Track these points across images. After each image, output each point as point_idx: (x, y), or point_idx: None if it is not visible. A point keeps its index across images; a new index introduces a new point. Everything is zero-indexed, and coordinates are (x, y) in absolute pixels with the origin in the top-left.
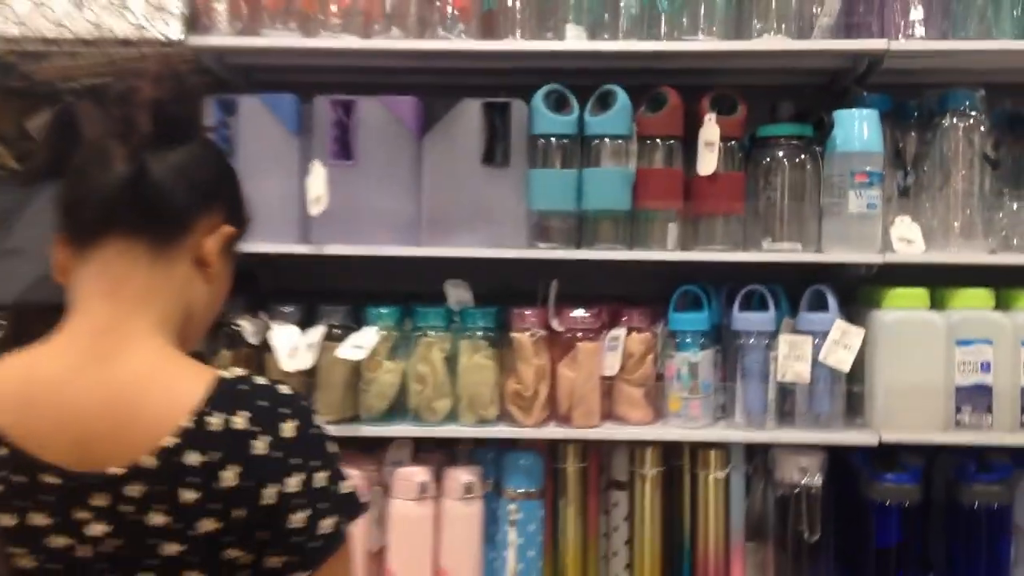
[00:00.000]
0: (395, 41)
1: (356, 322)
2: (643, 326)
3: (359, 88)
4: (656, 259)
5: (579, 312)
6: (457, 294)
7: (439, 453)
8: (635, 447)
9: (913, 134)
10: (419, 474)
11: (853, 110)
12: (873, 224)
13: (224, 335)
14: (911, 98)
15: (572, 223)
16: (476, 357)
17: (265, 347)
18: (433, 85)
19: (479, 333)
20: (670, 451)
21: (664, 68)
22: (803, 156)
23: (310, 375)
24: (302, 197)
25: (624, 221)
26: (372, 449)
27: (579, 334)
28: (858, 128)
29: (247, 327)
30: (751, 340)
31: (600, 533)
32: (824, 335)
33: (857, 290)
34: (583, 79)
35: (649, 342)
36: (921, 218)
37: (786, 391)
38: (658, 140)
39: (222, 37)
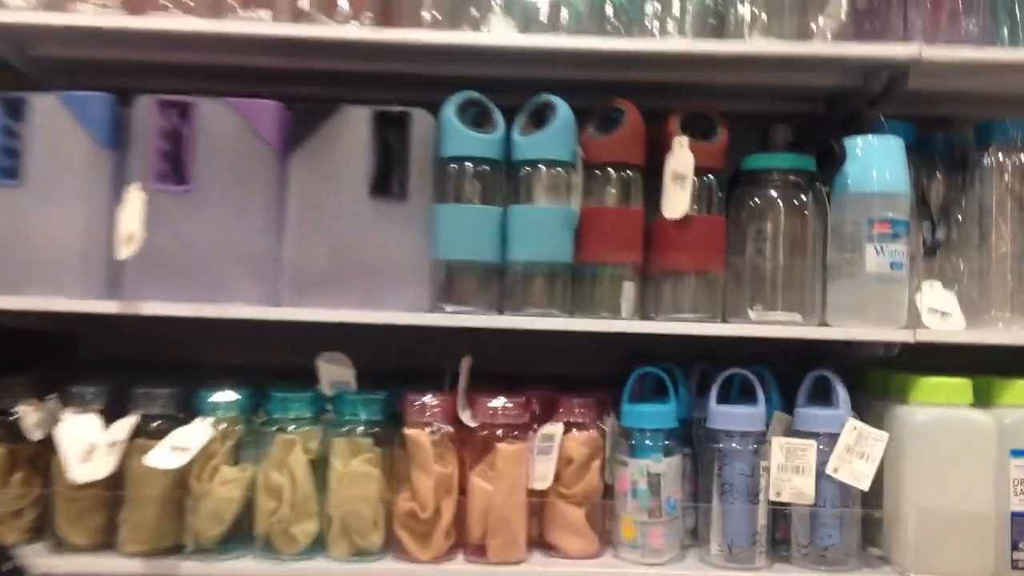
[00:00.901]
0: (257, 24)
1: (184, 411)
2: (587, 421)
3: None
4: (605, 330)
5: (499, 401)
6: (332, 373)
7: None
8: None
9: (939, 175)
10: None
11: (872, 137)
12: (897, 289)
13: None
14: (935, 130)
15: (492, 279)
16: (355, 463)
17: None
18: (312, 98)
19: (360, 428)
20: None
21: (620, 80)
22: (804, 197)
23: (114, 486)
24: (113, 234)
25: (563, 278)
26: None
27: (499, 431)
28: (879, 161)
29: (30, 416)
30: (733, 443)
31: None
32: (832, 438)
33: (865, 377)
34: (513, 96)
35: (594, 443)
36: (954, 283)
37: (781, 515)
38: (611, 170)
39: (10, 12)
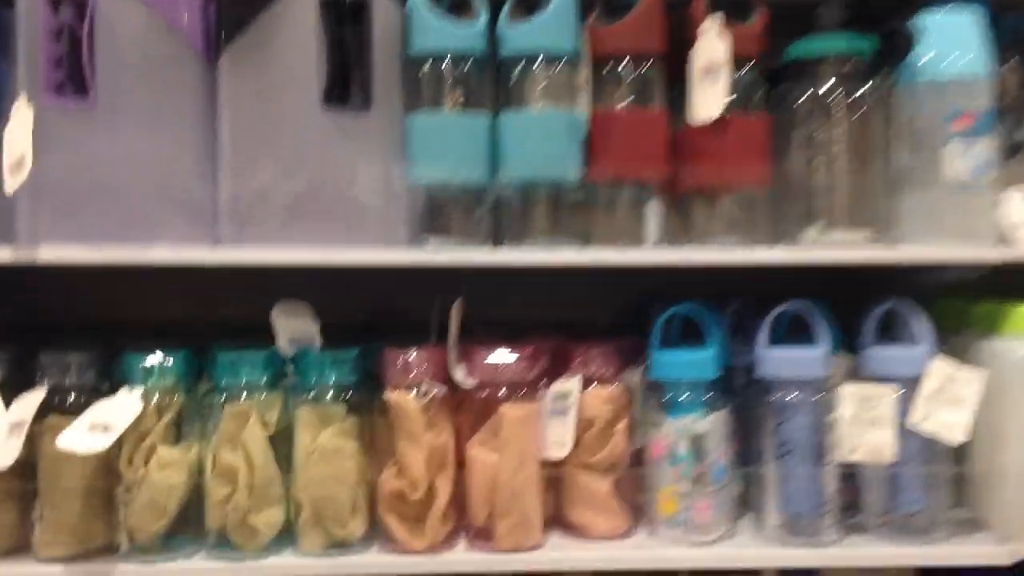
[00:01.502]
0: None
1: (107, 380)
2: (608, 373)
3: None
4: (625, 263)
5: (500, 354)
6: (291, 327)
7: None
8: None
9: (1016, 63)
10: None
11: (945, 12)
12: (981, 199)
13: None
14: (1008, 11)
15: (483, 206)
16: (325, 435)
17: None
18: None
19: (330, 393)
20: None
21: None
22: (864, 89)
23: (24, 476)
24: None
25: (570, 201)
26: None
27: (502, 391)
28: (955, 42)
29: None
30: (792, 393)
31: None
32: (912, 382)
33: (935, 308)
34: None
35: (619, 400)
36: None
37: (853, 478)
38: (624, 63)
39: None
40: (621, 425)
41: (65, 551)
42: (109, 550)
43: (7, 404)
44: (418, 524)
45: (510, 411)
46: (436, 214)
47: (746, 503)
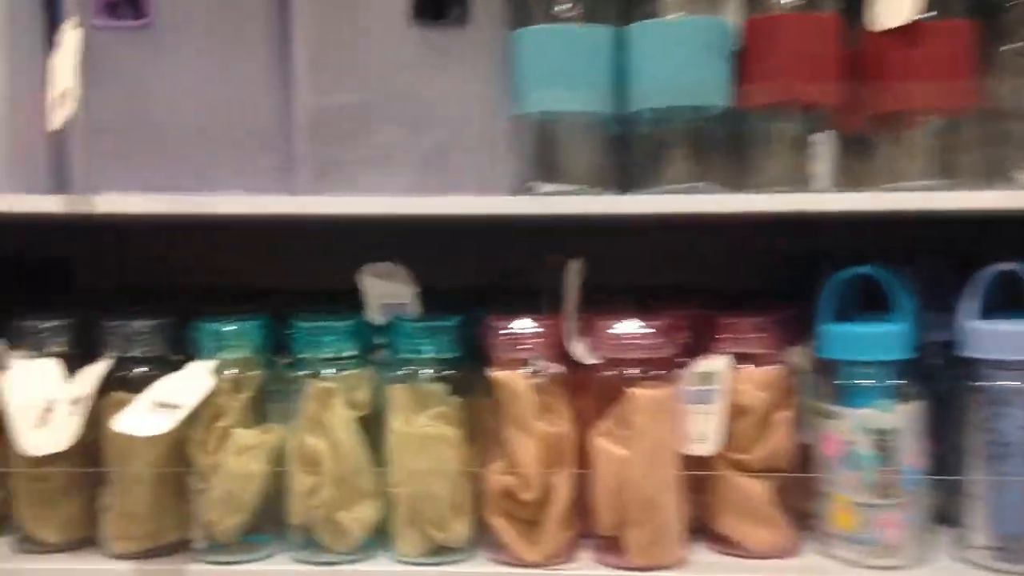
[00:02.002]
0: None
1: (176, 352)
2: (766, 351)
3: None
4: (787, 212)
5: (630, 325)
6: (383, 291)
7: None
8: None
9: None
10: None
11: None
12: None
13: None
14: None
15: (607, 142)
16: (422, 420)
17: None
18: None
19: (427, 371)
20: None
21: None
22: None
23: (89, 460)
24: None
25: (716, 134)
26: None
27: (632, 370)
28: None
29: None
30: (1009, 381)
31: None
32: None
33: None
34: None
35: (780, 385)
36: None
37: None
38: None
39: None
40: (782, 416)
41: (135, 546)
42: (184, 546)
43: (69, 378)
44: (532, 529)
45: (642, 395)
46: (549, 152)
47: (945, 519)
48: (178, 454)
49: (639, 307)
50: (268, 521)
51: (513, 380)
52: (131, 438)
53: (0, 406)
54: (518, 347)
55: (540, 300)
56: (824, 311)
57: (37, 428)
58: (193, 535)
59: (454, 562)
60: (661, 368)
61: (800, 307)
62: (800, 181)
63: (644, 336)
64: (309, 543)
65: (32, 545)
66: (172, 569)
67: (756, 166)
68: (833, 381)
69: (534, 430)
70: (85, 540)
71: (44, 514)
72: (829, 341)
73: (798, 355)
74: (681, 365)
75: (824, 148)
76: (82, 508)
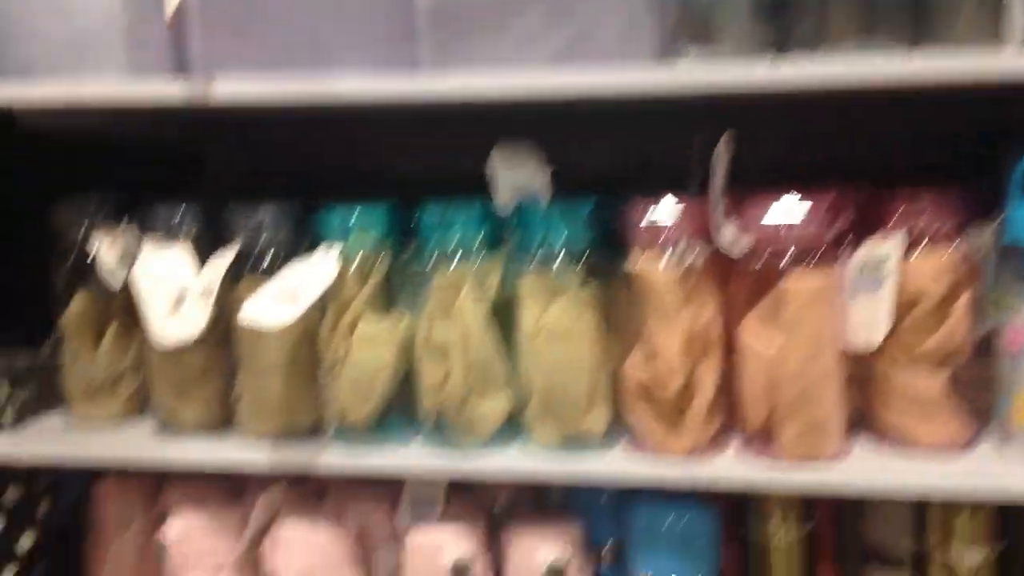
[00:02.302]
0: None
1: (305, 237)
2: (941, 232)
3: None
4: (972, 76)
5: (786, 205)
6: (514, 175)
7: (494, 501)
8: (926, 508)
9: None
10: (456, 545)
11: None
12: None
13: (71, 271)
14: None
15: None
16: (555, 311)
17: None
18: None
19: (561, 259)
20: (1010, 518)
21: None
22: None
23: (219, 345)
24: None
25: None
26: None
27: (787, 256)
28: None
29: (108, 253)
30: None
31: None
32: None
33: None
34: None
35: (958, 270)
36: None
37: None
38: None
39: None
40: (960, 304)
41: (269, 430)
42: (318, 431)
43: (199, 266)
44: (675, 422)
45: (799, 283)
46: (695, 14)
47: None
48: (308, 342)
49: (796, 186)
50: (400, 410)
51: (654, 269)
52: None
53: (134, 293)
54: (660, 233)
55: (684, 182)
56: (1013, 188)
57: (169, 316)
58: (326, 422)
59: (592, 454)
60: (820, 254)
61: (982, 186)
62: (987, 38)
63: (801, 219)
64: (441, 433)
65: (172, 428)
66: (306, 454)
67: (936, 21)
68: (1019, 267)
69: (676, 321)
70: (223, 424)
71: (182, 399)
72: (1015, 221)
73: (980, 237)
74: (843, 250)
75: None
76: (219, 393)
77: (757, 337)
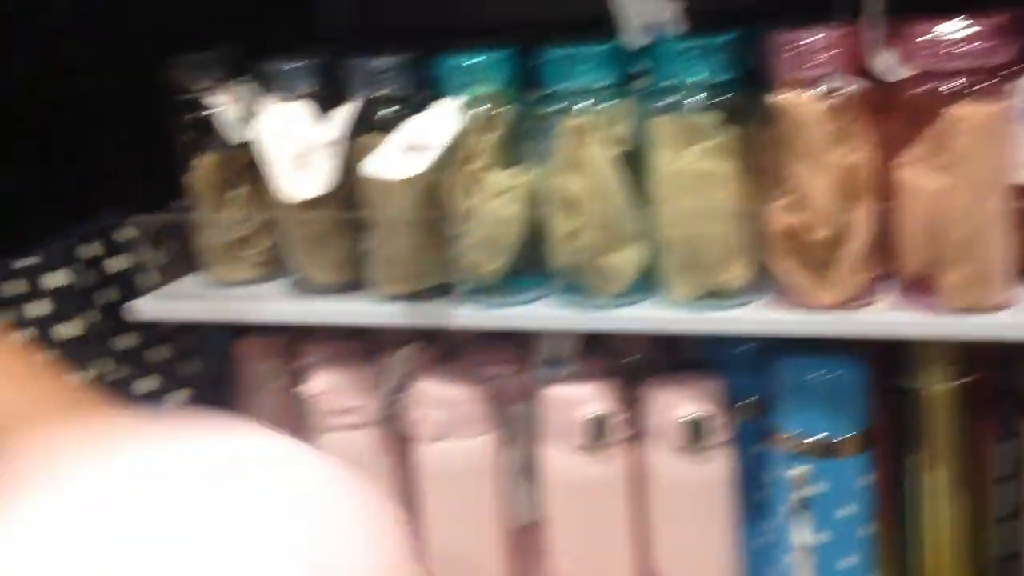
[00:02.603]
0: None
1: (425, 89)
2: None
3: None
4: None
5: (950, 27)
6: (642, 7)
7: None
8: None
9: None
10: (592, 400)
11: None
12: None
13: (194, 130)
14: None
15: None
16: (689, 155)
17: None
18: None
19: (695, 99)
20: None
21: None
22: None
23: (346, 204)
24: None
25: None
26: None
27: (951, 85)
28: None
29: (229, 108)
30: None
31: (994, 517)
32: None
33: None
34: None
35: None
36: None
37: None
38: None
39: None
40: None
41: (401, 288)
42: (449, 288)
43: (320, 121)
44: (824, 270)
45: (969, 112)
46: None
47: None
48: (435, 197)
49: (961, 6)
50: (531, 265)
51: (802, 103)
52: (386, 182)
53: (257, 152)
54: (807, 63)
55: (829, 11)
56: None
57: (295, 173)
58: (457, 279)
59: (732, 307)
60: (990, 80)
61: None
62: None
63: (969, 40)
64: (573, 287)
65: (307, 286)
66: (434, 312)
67: None
68: None
69: (827, 161)
70: (355, 282)
71: (314, 257)
72: None
73: None
74: (1016, 75)
75: None
76: (350, 251)
77: (918, 174)
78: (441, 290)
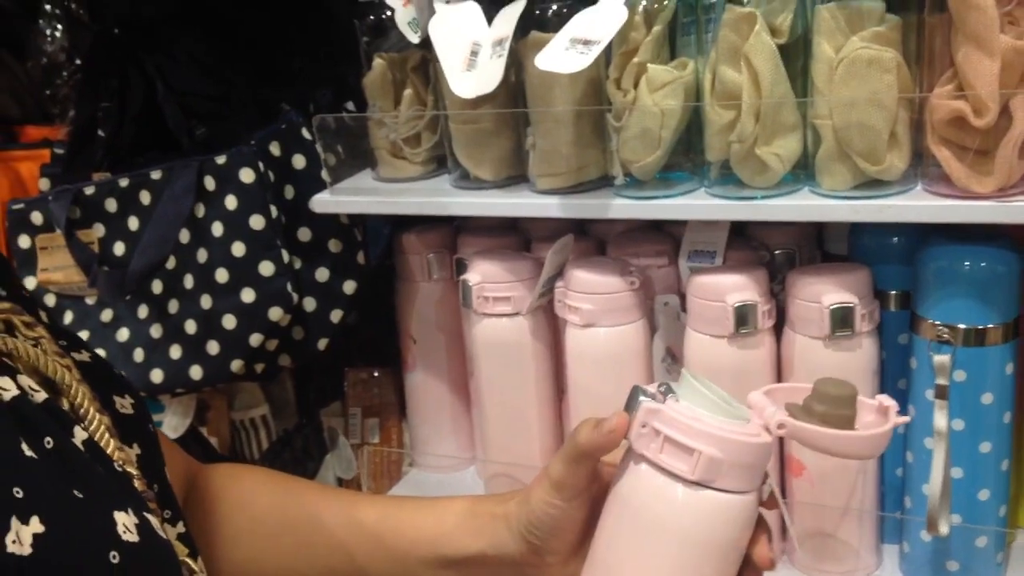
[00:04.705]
0: None
1: None
2: None
3: None
4: None
5: None
6: None
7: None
8: None
9: None
10: (736, 289)
11: None
12: None
13: (370, 31)
14: None
15: None
16: (856, 43)
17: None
18: None
19: None
20: None
21: None
22: None
23: (510, 101)
24: None
25: None
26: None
27: None
28: None
29: (402, 9)
30: None
31: None
32: None
33: None
34: None
35: None
36: None
37: None
38: None
39: None
40: None
41: (560, 182)
42: (605, 182)
43: (490, 21)
44: (983, 159)
45: None
46: None
47: None
48: (597, 92)
49: None
50: (686, 158)
51: None
52: (550, 78)
53: (430, 50)
54: None
55: None
56: None
57: (465, 71)
58: (614, 172)
59: (888, 195)
60: None
61: None
62: None
63: None
64: (728, 179)
65: (469, 182)
66: (595, 203)
67: None
68: None
69: (995, 45)
70: (515, 178)
71: (477, 153)
72: None
73: None
74: None
75: None
76: (511, 148)
77: None
78: (597, 183)
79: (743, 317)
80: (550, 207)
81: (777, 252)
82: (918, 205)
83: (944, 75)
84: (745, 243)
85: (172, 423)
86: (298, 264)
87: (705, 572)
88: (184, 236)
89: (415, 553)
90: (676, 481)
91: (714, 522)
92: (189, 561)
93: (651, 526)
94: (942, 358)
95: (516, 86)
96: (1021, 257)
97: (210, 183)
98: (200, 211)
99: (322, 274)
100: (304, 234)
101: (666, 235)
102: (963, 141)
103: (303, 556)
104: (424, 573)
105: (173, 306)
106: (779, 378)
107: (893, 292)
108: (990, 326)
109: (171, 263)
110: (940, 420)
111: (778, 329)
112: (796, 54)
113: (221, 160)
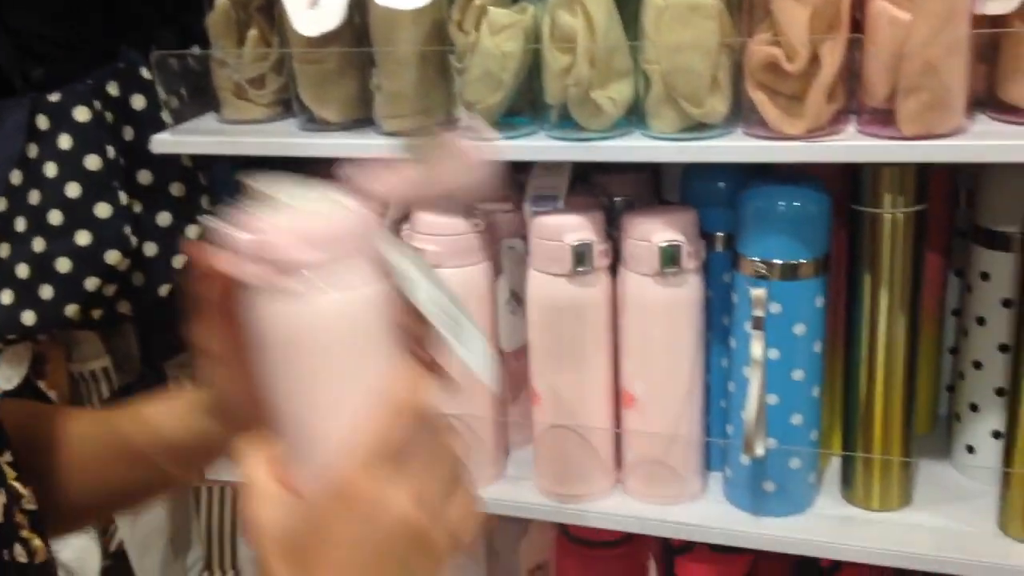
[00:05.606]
0: None
1: None
2: None
3: None
4: None
5: None
6: None
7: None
8: None
9: None
10: (575, 229)
11: None
12: None
13: None
14: None
15: None
16: None
17: None
18: None
19: None
20: None
21: None
22: None
23: (354, 42)
24: None
25: None
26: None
27: None
28: None
29: None
30: None
31: (943, 344)
32: None
33: None
34: None
35: None
36: None
37: None
38: None
39: None
40: None
41: (405, 124)
42: (451, 124)
43: None
44: (795, 103)
45: None
46: None
47: None
48: (440, 34)
49: None
50: (525, 101)
51: None
52: (393, 19)
53: None
54: None
55: None
56: None
57: (308, 10)
58: (457, 114)
59: (710, 137)
60: None
61: None
62: None
63: None
64: (565, 122)
65: (315, 124)
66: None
67: None
68: None
69: None
70: (361, 120)
71: (322, 95)
72: None
73: None
74: None
75: None
76: (356, 90)
77: (889, 8)
78: (445, 125)
79: (581, 256)
80: (395, 148)
81: (617, 199)
82: (737, 146)
83: (762, 23)
84: (588, 190)
85: (5, 373)
86: (138, 208)
87: (367, 363)
88: (15, 177)
89: (150, 446)
90: (280, 296)
91: (349, 315)
92: (16, 485)
93: (290, 352)
94: (759, 291)
95: (361, 27)
96: (830, 198)
97: (43, 122)
98: (32, 151)
99: (164, 218)
100: (144, 176)
101: (513, 182)
102: (777, 86)
103: (116, 474)
104: (163, 461)
105: (4, 250)
106: (615, 314)
107: (719, 234)
108: (802, 261)
109: (1, 205)
110: (756, 349)
111: (615, 270)
112: (629, 1)
113: (54, 98)
